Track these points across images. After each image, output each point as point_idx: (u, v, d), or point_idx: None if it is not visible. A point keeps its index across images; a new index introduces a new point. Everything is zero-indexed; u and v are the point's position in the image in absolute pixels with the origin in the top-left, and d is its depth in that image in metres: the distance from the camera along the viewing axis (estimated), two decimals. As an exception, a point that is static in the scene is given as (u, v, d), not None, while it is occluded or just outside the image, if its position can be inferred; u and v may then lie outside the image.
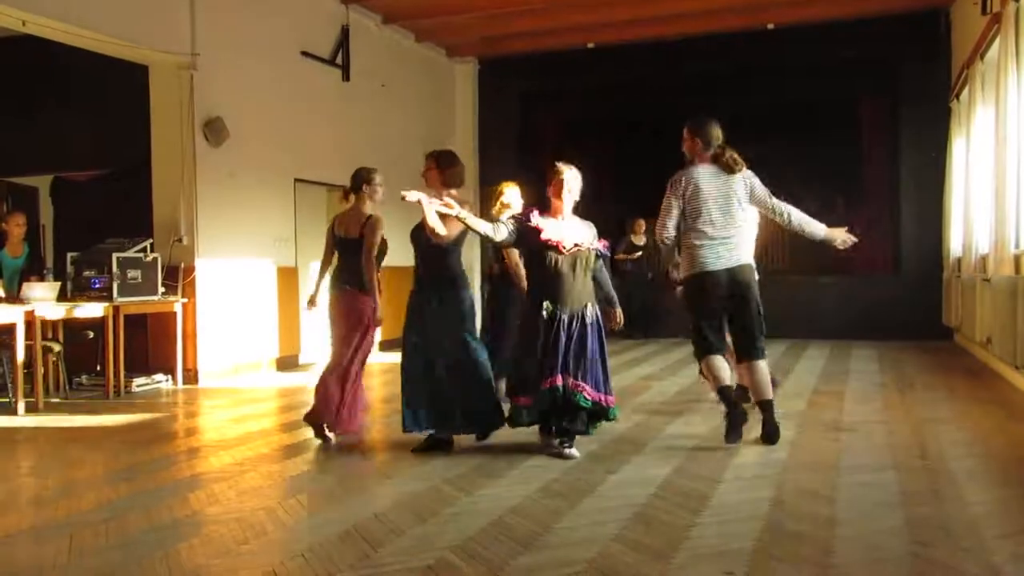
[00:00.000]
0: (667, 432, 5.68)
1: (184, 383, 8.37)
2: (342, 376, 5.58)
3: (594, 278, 5.10)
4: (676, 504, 4.02)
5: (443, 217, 4.87)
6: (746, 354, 5.24)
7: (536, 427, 5.15)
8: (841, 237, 5.30)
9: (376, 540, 3.55)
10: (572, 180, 5.07)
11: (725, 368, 5.28)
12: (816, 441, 5.35)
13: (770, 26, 11.72)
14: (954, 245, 10.60)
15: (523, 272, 5.52)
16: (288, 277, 9.83)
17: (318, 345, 10.68)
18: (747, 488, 4.26)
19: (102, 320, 7.67)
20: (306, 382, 8.78)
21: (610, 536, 3.55)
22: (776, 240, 14.57)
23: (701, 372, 5.55)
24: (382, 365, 10.05)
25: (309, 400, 7.78)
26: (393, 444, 5.54)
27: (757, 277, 5.42)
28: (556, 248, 4.93)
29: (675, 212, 5.24)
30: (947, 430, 5.64)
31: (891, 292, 11.66)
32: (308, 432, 6.08)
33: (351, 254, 5.57)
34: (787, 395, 7.12)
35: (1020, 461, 4.86)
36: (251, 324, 9.24)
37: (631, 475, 4.57)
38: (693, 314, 5.33)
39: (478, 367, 5.16)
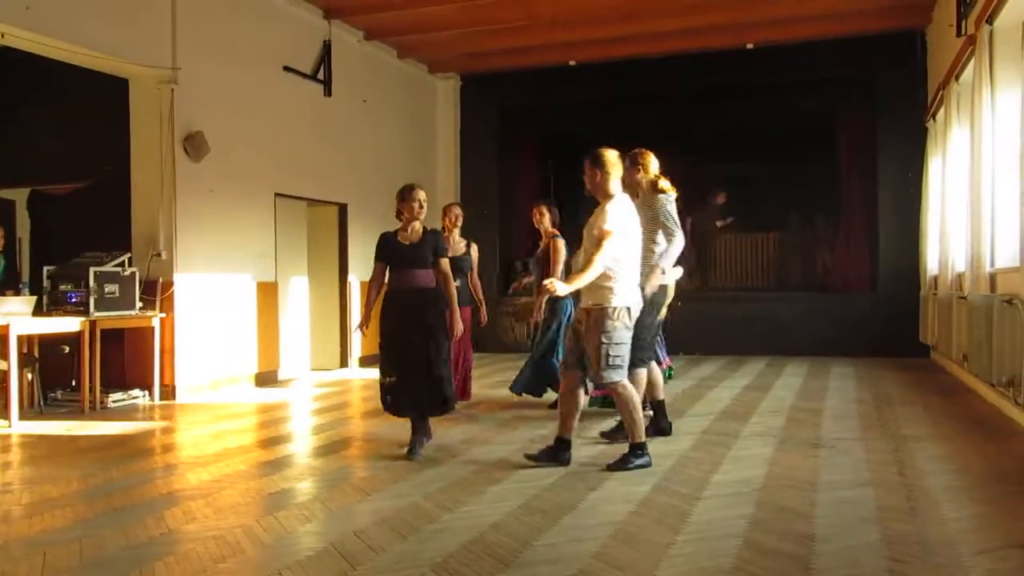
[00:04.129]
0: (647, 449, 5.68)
1: (161, 399, 8.29)
2: None
3: None
4: (656, 521, 4.03)
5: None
6: None
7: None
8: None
9: (355, 558, 3.53)
10: None
11: None
12: (794, 458, 5.38)
13: (749, 46, 11.87)
14: (931, 263, 10.72)
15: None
16: (268, 292, 9.79)
17: (297, 361, 10.65)
18: (726, 505, 4.28)
19: (78, 335, 7.59)
20: (285, 398, 8.74)
21: (591, 553, 3.55)
22: (755, 258, 14.71)
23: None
24: (364, 380, 10.03)
25: (288, 416, 7.76)
26: (373, 460, 5.52)
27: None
28: None
29: None
30: (924, 447, 5.69)
31: (869, 310, 11.76)
32: (287, 448, 6.06)
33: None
34: (765, 412, 7.17)
35: (996, 477, 4.91)
36: (230, 339, 9.18)
37: (611, 492, 4.57)
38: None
39: None
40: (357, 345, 11.36)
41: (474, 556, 3.53)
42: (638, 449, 5.10)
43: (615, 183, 5.15)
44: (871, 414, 7.08)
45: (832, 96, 12.57)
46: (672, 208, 5.86)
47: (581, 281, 4.96)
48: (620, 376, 5.05)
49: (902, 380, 9.24)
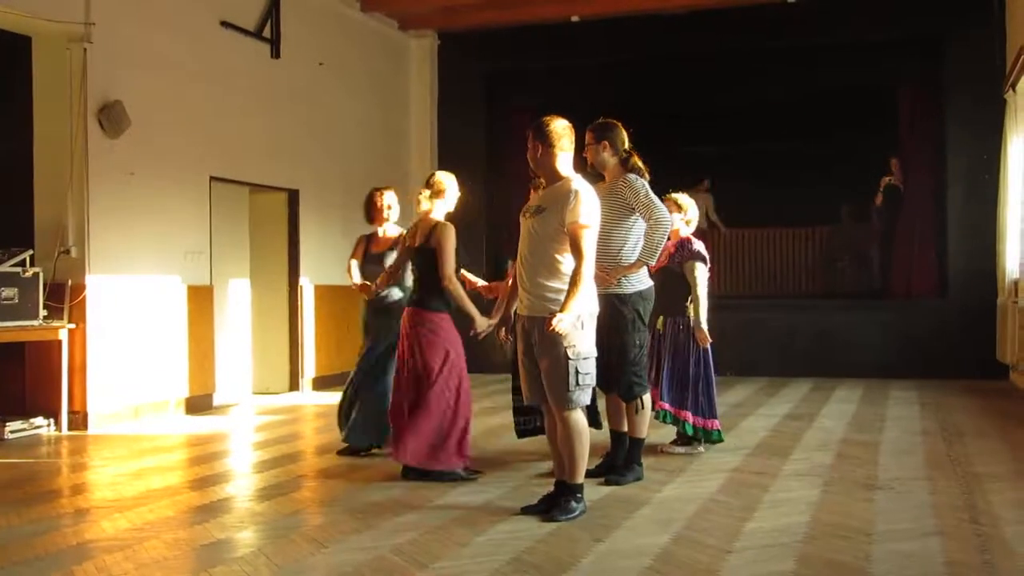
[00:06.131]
0: (665, 492, 5.70)
1: (70, 429, 8.26)
2: None
3: None
4: (676, 579, 4.04)
5: None
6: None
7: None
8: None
9: (308, 624, 3.53)
10: None
11: None
12: (845, 502, 5.39)
13: (790, 0, 11.91)
14: (1010, 264, 10.77)
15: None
16: (201, 298, 9.77)
17: (237, 382, 10.63)
18: (762, 559, 4.29)
19: (-32, 350, 7.58)
20: (222, 428, 8.71)
21: (596, 619, 3.55)
22: (796, 259, 14.74)
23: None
24: (319, 407, 10.01)
25: (225, 450, 7.74)
26: (329, 504, 5.51)
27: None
28: None
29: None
30: (1001, 488, 5.70)
31: (935, 321, 11.78)
32: (224, 490, 6.04)
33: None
34: (810, 446, 7.18)
35: (1089, 526, 4.94)
36: (155, 356, 9.15)
37: (622, 544, 4.58)
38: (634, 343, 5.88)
39: None
40: (310, 364, 11.34)
41: (454, 622, 3.53)
42: (579, 492, 5.09)
43: (564, 160, 5.13)
44: (938, 449, 7.10)
45: (890, 63, 12.60)
46: (649, 189, 5.88)
47: (580, 296, 4.86)
48: (587, 399, 5.08)
49: (975, 407, 9.29)
